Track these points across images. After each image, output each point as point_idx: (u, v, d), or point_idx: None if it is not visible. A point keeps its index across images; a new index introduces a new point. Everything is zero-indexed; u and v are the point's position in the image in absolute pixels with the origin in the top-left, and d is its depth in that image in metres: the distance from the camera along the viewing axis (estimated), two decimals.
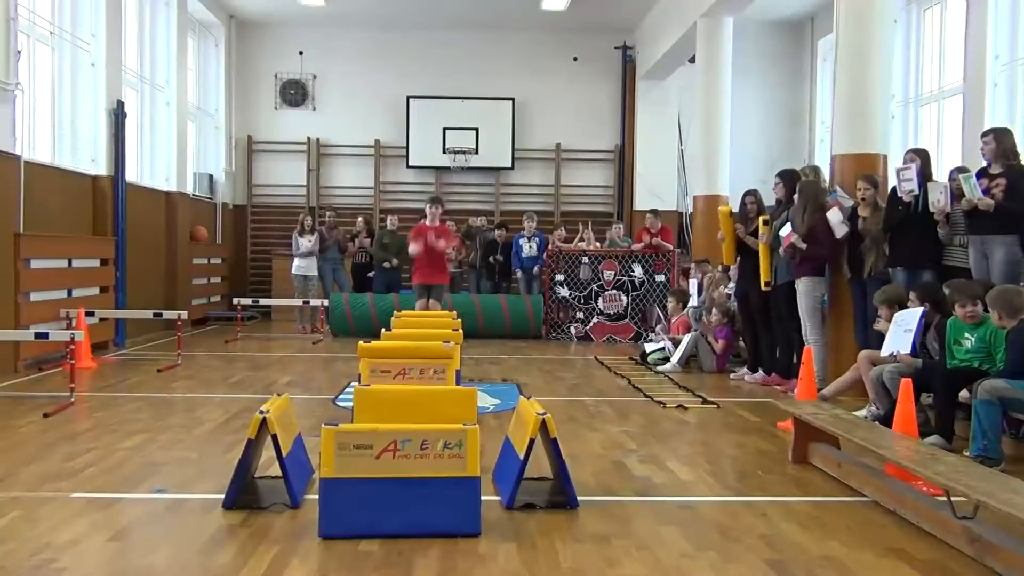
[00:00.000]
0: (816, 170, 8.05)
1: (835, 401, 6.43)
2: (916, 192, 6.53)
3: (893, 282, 6.64)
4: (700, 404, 6.95)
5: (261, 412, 3.89)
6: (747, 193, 8.38)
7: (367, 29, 15.28)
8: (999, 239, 6.12)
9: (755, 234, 7.93)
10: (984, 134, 6.42)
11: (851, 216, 7.20)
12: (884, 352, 5.88)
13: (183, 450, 5.13)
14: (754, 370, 8.28)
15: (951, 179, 6.50)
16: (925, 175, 6.71)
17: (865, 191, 7.01)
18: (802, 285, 7.40)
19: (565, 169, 15.79)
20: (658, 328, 10.16)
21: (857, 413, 5.73)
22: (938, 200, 6.36)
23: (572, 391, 7.62)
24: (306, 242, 12.50)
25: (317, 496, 3.62)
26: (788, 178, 7.99)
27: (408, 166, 15.48)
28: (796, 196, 7.58)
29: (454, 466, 3.61)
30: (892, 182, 6.91)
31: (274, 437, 3.88)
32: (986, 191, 6.14)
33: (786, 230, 7.50)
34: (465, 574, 3.24)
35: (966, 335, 5.40)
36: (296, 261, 12.60)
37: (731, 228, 8.19)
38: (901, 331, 5.74)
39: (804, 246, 7.30)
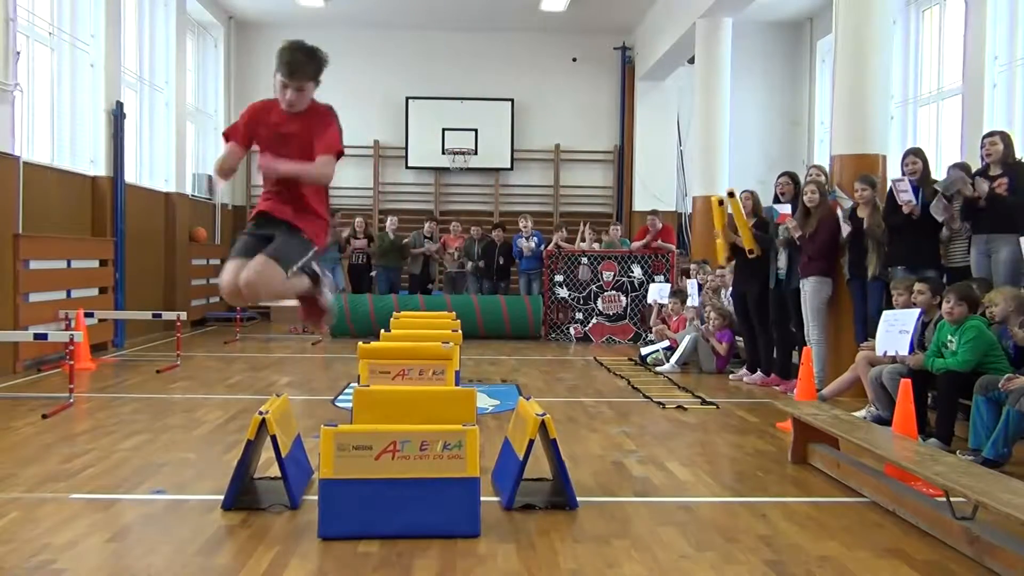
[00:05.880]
0: (821, 169, 8.07)
1: (834, 402, 6.44)
2: (915, 203, 6.55)
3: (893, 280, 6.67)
4: (699, 405, 6.95)
5: (260, 413, 3.90)
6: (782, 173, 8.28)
7: (366, 29, 15.28)
8: (1003, 238, 6.15)
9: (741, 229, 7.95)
10: (990, 135, 6.43)
11: (851, 217, 7.21)
12: (878, 351, 5.90)
13: (182, 451, 5.13)
14: (753, 370, 8.28)
15: (948, 176, 6.55)
16: (925, 174, 6.75)
17: (863, 192, 7.02)
18: (808, 285, 7.39)
19: (564, 170, 15.79)
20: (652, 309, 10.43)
21: (856, 414, 5.73)
22: (937, 209, 6.41)
23: (571, 392, 7.62)
24: None
25: (316, 497, 3.62)
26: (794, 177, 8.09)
27: (407, 167, 15.48)
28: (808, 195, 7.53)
29: (453, 467, 3.61)
30: (891, 181, 6.93)
31: (273, 438, 3.88)
32: (991, 190, 6.18)
33: (784, 209, 7.51)
34: (464, 574, 3.23)
35: (950, 337, 5.41)
36: None
37: (723, 219, 8.13)
38: (896, 332, 5.74)
39: (799, 233, 7.31)
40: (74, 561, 3.30)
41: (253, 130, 4.01)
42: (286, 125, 3.98)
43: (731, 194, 8.04)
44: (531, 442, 3.84)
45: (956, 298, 5.40)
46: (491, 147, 15.32)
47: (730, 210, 8.08)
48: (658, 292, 10.80)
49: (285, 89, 3.91)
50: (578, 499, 4.04)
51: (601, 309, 11.99)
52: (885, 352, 5.80)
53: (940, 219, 6.47)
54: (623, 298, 11.96)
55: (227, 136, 4.02)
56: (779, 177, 8.16)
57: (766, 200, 8.53)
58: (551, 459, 4.10)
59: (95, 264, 10.04)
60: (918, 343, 5.74)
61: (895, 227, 6.72)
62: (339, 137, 4.07)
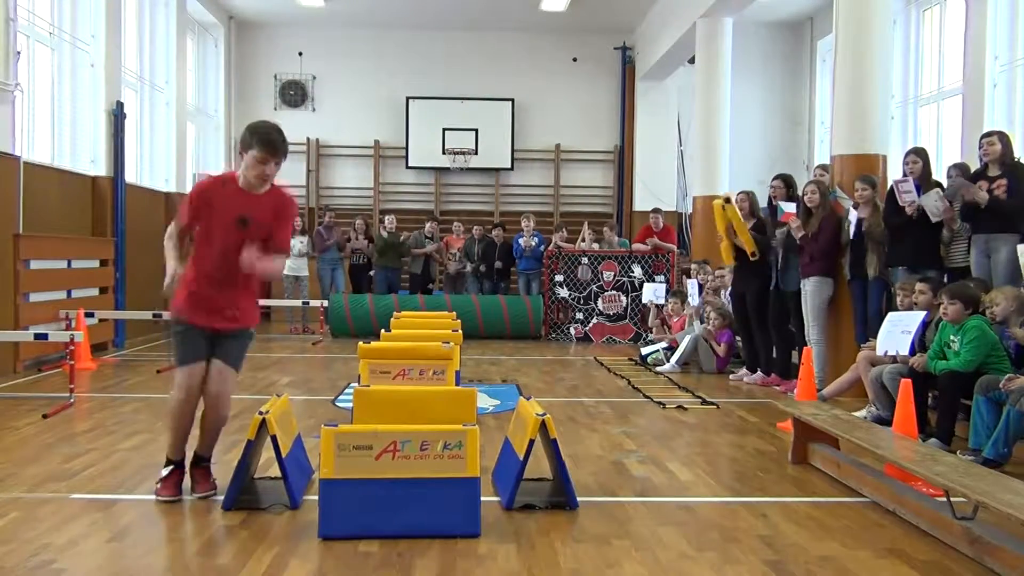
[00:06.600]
0: (827, 169, 8.06)
1: (834, 402, 6.44)
2: (917, 203, 6.54)
3: (895, 281, 6.67)
4: (699, 405, 6.95)
5: (260, 413, 3.90)
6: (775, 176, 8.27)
7: (367, 29, 15.28)
8: (1003, 238, 6.15)
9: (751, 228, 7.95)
10: (988, 135, 6.42)
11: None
12: (879, 351, 5.90)
13: None
14: (753, 371, 8.28)
15: (948, 176, 6.54)
16: (925, 174, 6.75)
17: (863, 191, 7.02)
18: (810, 285, 7.38)
19: (564, 170, 15.79)
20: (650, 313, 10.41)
21: (857, 414, 5.73)
22: (937, 208, 6.40)
23: (571, 392, 7.62)
24: (296, 243, 12.51)
25: (317, 497, 3.62)
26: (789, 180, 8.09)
27: (408, 167, 15.48)
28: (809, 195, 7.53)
29: (454, 467, 3.61)
30: (891, 182, 6.92)
31: (273, 438, 3.88)
32: (989, 191, 6.18)
33: (789, 207, 7.51)
34: (465, 574, 3.23)
35: (952, 337, 5.41)
36: (288, 262, 12.58)
37: (725, 222, 8.11)
38: (898, 332, 5.75)
39: (802, 233, 7.30)
40: (74, 561, 3.30)
41: (202, 209, 4.10)
42: (245, 203, 4.10)
43: (728, 200, 8.05)
44: (531, 442, 3.84)
45: (948, 297, 5.40)
46: (491, 147, 15.33)
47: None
48: (652, 292, 10.81)
49: (263, 165, 4.05)
50: (578, 499, 4.04)
51: (601, 309, 11.99)
52: (886, 352, 5.81)
53: (934, 219, 6.46)
54: (623, 298, 11.96)
55: (182, 219, 4.14)
56: (772, 180, 8.18)
57: (764, 200, 8.52)
58: (551, 459, 4.10)
59: (95, 264, 10.04)
60: (918, 344, 5.74)
61: (896, 227, 6.71)
62: (291, 234, 4.39)
